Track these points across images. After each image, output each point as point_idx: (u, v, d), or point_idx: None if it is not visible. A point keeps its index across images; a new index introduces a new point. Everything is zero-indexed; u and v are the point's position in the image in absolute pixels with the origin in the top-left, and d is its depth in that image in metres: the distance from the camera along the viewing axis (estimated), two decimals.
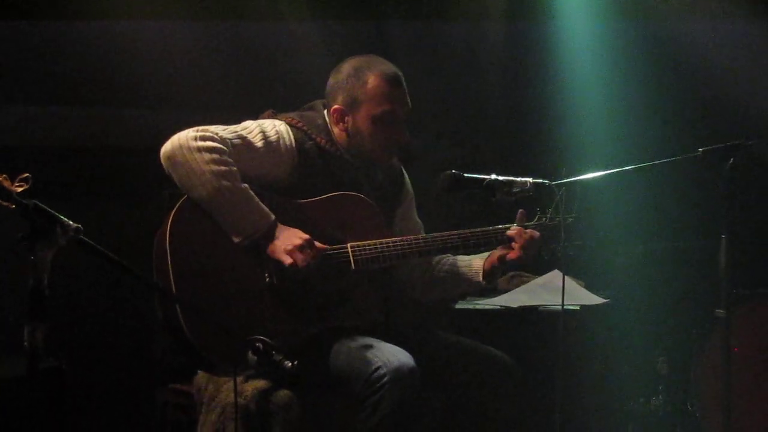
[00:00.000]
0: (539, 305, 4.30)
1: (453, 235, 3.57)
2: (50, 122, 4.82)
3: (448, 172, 3.56)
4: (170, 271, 3.26)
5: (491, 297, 4.45)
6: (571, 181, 3.49)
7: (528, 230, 3.58)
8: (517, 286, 4.56)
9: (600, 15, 5.08)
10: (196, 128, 3.35)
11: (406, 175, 3.85)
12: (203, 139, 3.32)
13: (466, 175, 3.55)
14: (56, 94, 4.82)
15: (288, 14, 4.95)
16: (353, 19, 5.06)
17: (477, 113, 5.35)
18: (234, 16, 5.01)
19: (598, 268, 4.70)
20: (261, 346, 2.82)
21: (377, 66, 3.57)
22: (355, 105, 3.55)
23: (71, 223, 2.49)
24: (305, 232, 3.37)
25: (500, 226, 3.62)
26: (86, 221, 2.54)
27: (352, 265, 3.45)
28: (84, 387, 4.40)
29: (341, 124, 3.57)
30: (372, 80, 3.54)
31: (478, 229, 3.60)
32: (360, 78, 3.54)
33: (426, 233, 3.70)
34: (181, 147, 3.31)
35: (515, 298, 4.42)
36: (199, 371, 3.57)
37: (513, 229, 3.59)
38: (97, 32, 4.84)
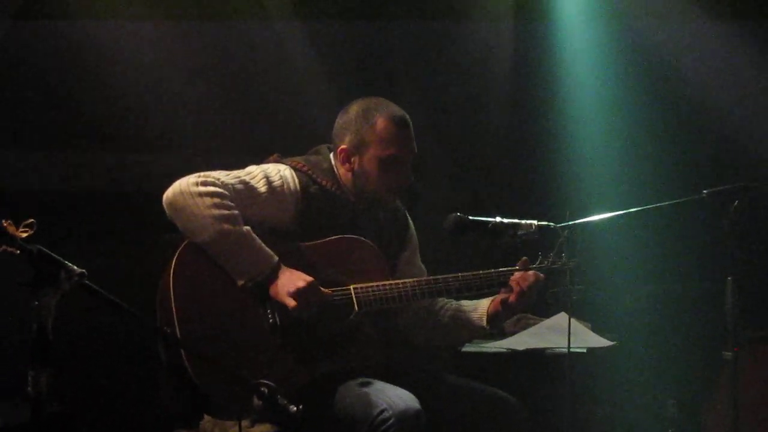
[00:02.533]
0: (546, 348, 4.30)
1: (456, 277, 3.59)
2: (55, 167, 4.85)
3: (453, 214, 3.60)
4: (174, 315, 3.29)
5: (498, 339, 4.44)
6: (575, 224, 3.51)
7: (528, 273, 3.60)
8: (524, 328, 4.56)
9: (605, 53, 5.11)
10: (197, 174, 3.40)
11: (410, 220, 3.87)
12: (204, 184, 3.37)
13: (471, 217, 3.60)
14: (60, 140, 4.87)
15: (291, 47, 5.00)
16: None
17: (482, 156, 5.38)
18: (241, 62, 5.07)
19: (604, 310, 4.71)
20: (266, 390, 2.83)
21: (386, 108, 3.62)
22: (362, 146, 3.59)
23: (75, 268, 2.50)
24: (308, 274, 3.40)
25: (503, 269, 3.64)
26: (90, 266, 2.56)
27: (356, 306, 3.48)
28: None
29: (347, 164, 3.61)
30: (380, 122, 3.58)
31: (481, 272, 3.61)
32: (368, 119, 3.59)
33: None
34: (182, 193, 3.36)
35: (522, 341, 4.42)
36: (204, 415, 3.58)
37: (515, 275, 3.60)
38: (102, 77, 4.90)
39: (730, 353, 3.53)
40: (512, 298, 3.61)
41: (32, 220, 2.49)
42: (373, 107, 3.61)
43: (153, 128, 4.89)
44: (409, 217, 3.87)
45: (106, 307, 2.62)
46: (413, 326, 3.80)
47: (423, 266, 3.86)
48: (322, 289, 3.43)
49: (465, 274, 3.60)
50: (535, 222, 3.57)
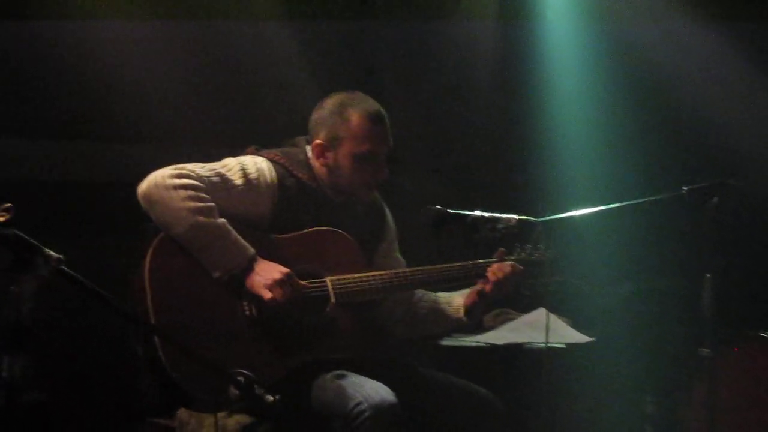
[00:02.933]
0: (524, 343, 4.30)
1: (433, 269, 3.61)
2: (31, 157, 4.83)
3: (432, 207, 3.61)
4: (150, 305, 3.29)
5: (476, 334, 4.43)
6: (556, 218, 3.52)
7: (504, 264, 3.61)
8: (503, 323, 4.54)
9: (588, 51, 5.13)
10: (172, 167, 3.40)
11: (387, 212, 3.88)
12: (179, 176, 3.37)
13: (450, 211, 3.60)
14: (37, 129, 4.84)
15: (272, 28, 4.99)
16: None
17: (464, 150, 5.39)
18: (222, 49, 5.07)
19: (584, 306, 4.70)
20: (242, 379, 2.83)
21: (360, 103, 3.62)
22: (336, 141, 3.60)
23: (53, 253, 2.50)
24: (284, 266, 3.41)
25: (480, 260, 3.65)
26: (68, 254, 2.55)
27: (332, 298, 3.49)
28: (66, 421, 4.39)
29: (322, 158, 3.62)
30: (355, 118, 3.58)
31: (457, 264, 3.63)
32: (343, 115, 3.59)
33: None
34: (157, 186, 3.36)
35: (500, 335, 4.41)
36: (180, 406, 3.57)
37: (492, 266, 3.62)
38: (80, 67, 4.88)
39: (707, 350, 3.54)
40: (488, 288, 3.63)
41: (10, 204, 2.48)
42: (348, 102, 3.61)
43: (131, 118, 4.88)
44: (386, 209, 3.88)
45: (85, 294, 2.61)
46: (391, 318, 3.80)
47: (401, 258, 3.86)
48: (298, 281, 3.43)
49: (442, 266, 3.62)
50: (515, 216, 3.58)
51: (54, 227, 4.14)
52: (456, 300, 3.74)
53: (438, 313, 3.77)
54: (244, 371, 2.84)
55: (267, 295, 3.36)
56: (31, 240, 2.49)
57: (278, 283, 3.37)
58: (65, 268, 2.52)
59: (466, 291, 3.73)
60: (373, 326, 3.73)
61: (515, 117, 5.31)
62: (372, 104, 3.64)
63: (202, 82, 5.03)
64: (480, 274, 3.64)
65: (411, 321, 3.80)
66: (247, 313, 3.40)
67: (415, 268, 3.63)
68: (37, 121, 4.85)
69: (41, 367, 2.62)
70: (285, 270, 3.39)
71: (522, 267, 3.64)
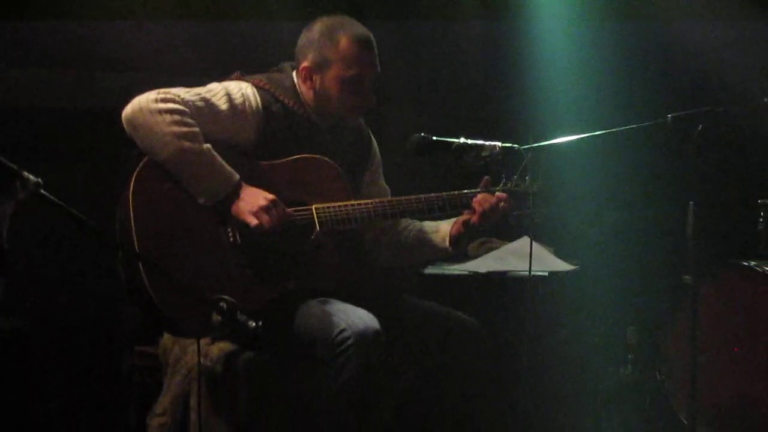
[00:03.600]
0: (508, 271, 4.33)
1: (419, 198, 3.58)
2: (14, 83, 4.78)
3: (417, 135, 3.59)
4: (133, 232, 3.28)
5: (461, 263, 4.47)
6: (539, 146, 3.50)
7: (490, 195, 3.59)
8: (487, 252, 4.58)
9: None
10: (157, 90, 3.37)
11: (374, 140, 3.86)
12: (164, 101, 3.34)
13: (434, 138, 3.59)
14: (22, 56, 4.78)
15: None
16: None
17: (447, 77, 5.36)
18: None
19: (567, 235, 4.73)
20: (225, 305, 2.83)
21: (350, 27, 3.59)
22: (324, 65, 3.57)
23: (31, 176, 2.48)
24: (269, 193, 3.40)
25: (466, 190, 3.63)
26: (50, 181, 2.53)
27: (317, 226, 3.48)
28: (48, 349, 4.38)
29: (309, 82, 3.59)
30: (344, 42, 3.56)
31: (444, 194, 3.60)
32: (332, 38, 3.56)
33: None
34: (141, 110, 3.34)
35: (484, 264, 4.45)
36: (164, 333, 3.59)
37: (478, 196, 3.60)
38: None
39: (689, 277, 3.52)
40: (474, 219, 3.60)
41: None
42: (337, 26, 3.58)
43: (115, 46, 4.80)
44: (372, 137, 3.86)
45: (65, 219, 2.59)
46: (376, 246, 3.80)
47: (387, 186, 3.86)
48: (283, 207, 3.42)
49: (428, 195, 3.59)
50: (498, 143, 3.56)
51: (38, 154, 4.13)
52: (442, 229, 3.73)
53: (423, 242, 3.76)
54: (227, 297, 2.83)
55: (252, 221, 3.36)
56: (9, 163, 2.46)
57: (263, 210, 3.36)
58: (44, 192, 2.50)
59: (452, 220, 3.72)
60: (359, 254, 3.73)
61: (500, 47, 5.30)
62: (361, 29, 3.61)
63: (185, 11, 4.97)
64: (466, 204, 3.62)
65: (396, 249, 3.80)
66: (232, 239, 3.39)
67: (400, 197, 3.60)
68: (18, 48, 4.78)
69: (21, 293, 2.58)
70: (270, 196, 3.39)
71: (508, 197, 3.62)
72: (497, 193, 3.61)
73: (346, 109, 3.61)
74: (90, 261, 4.29)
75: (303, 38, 3.63)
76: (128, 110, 3.36)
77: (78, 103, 4.79)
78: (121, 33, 4.80)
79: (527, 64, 5.15)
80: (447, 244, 3.71)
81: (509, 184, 3.64)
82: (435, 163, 4.04)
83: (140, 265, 3.22)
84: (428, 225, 3.77)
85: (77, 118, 4.74)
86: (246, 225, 3.37)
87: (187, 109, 3.37)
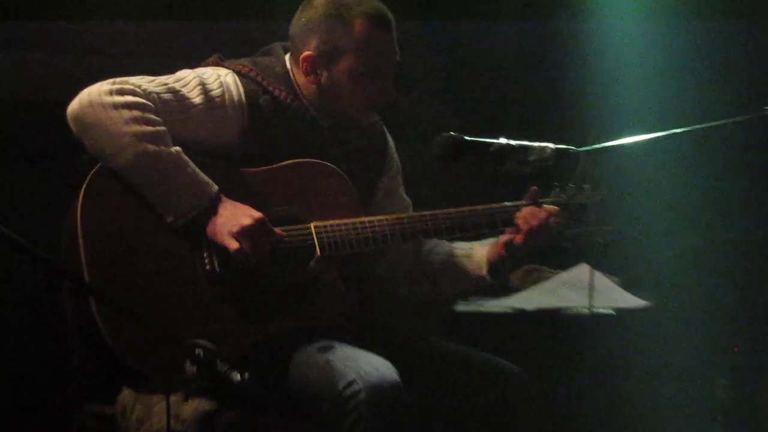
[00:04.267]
0: (562, 308, 4.35)
1: (448, 214, 3.58)
2: None
3: (446, 134, 3.58)
4: (83, 257, 3.25)
5: (501, 297, 4.49)
6: (601, 148, 3.51)
7: (539, 209, 3.58)
8: (535, 283, 4.61)
9: None
10: (111, 80, 3.36)
11: (390, 139, 3.85)
12: (120, 93, 3.32)
13: (468, 138, 3.57)
14: None
15: None
16: None
17: (482, 63, 5.41)
18: None
19: (638, 262, 4.73)
20: (201, 353, 2.81)
21: (363, 4, 3.57)
22: (334, 54, 3.56)
23: None
24: (256, 209, 3.38)
25: (507, 203, 3.63)
26: None
27: (317, 250, 3.46)
28: None
29: (312, 75, 3.58)
30: (359, 24, 3.55)
31: (479, 207, 3.60)
32: (343, 20, 3.55)
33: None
34: (92, 104, 3.31)
35: (532, 299, 4.47)
36: (123, 387, 3.54)
37: (523, 210, 3.59)
38: None
39: None
40: (518, 238, 3.59)
41: None
42: (348, 3, 3.57)
43: (65, 21, 4.83)
44: (388, 135, 3.85)
45: (5, 243, 2.61)
46: (394, 273, 3.81)
47: (407, 198, 3.86)
48: (272, 228, 3.39)
49: (459, 209, 3.59)
50: (550, 145, 3.56)
51: None
52: (477, 252, 3.72)
53: (454, 268, 3.75)
54: (204, 342, 2.82)
55: (233, 245, 3.33)
56: None
57: (248, 231, 3.33)
58: None
59: (490, 241, 3.70)
60: (370, 284, 3.72)
61: (546, 31, 5.35)
62: (378, 5, 3.60)
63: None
64: (508, 220, 3.61)
65: (420, 277, 3.80)
66: (208, 267, 3.36)
67: (423, 213, 3.60)
68: None
69: None
70: (257, 214, 3.36)
71: (561, 212, 3.61)
72: (547, 207, 3.60)
73: (360, 108, 3.61)
74: (28, 295, 4.28)
75: (302, 17, 3.60)
76: (75, 105, 3.34)
77: (15, 92, 4.79)
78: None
79: (583, 54, 5.21)
80: (483, 271, 3.71)
81: (563, 196, 3.64)
82: (468, 170, 4.02)
83: (91, 299, 3.19)
84: (460, 247, 3.77)
85: (16, 110, 4.75)
86: (226, 249, 3.34)
87: (150, 103, 3.34)
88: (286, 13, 3.70)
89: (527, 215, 3.58)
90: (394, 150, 3.86)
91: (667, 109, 4.89)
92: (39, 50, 4.85)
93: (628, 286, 4.55)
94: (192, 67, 3.58)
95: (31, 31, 4.84)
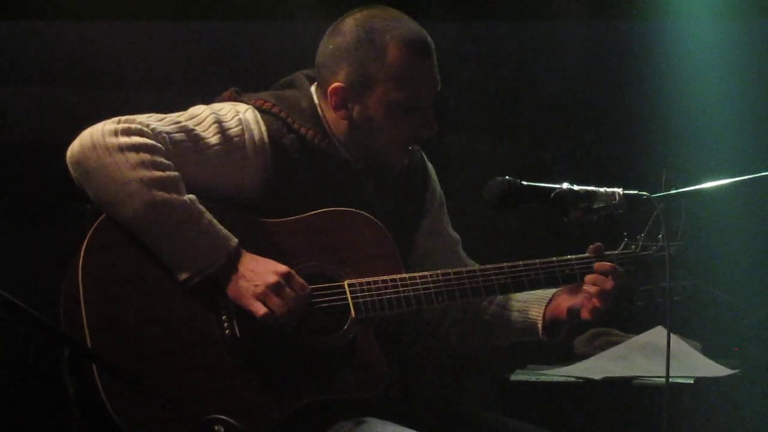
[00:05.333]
0: (634, 377, 4.31)
1: (500, 269, 3.56)
2: None
3: (500, 179, 3.58)
4: (84, 321, 3.24)
5: (564, 364, 4.48)
6: (678, 193, 3.50)
7: (606, 264, 3.55)
8: (602, 348, 4.60)
9: None
10: (116, 119, 3.36)
11: (430, 168, 3.85)
12: (127, 133, 3.31)
13: (525, 183, 3.57)
14: None
15: None
16: None
17: (541, 98, 5.42)
18: None
19: (721, 324, 4.71)
20: (220, 429, 2.76)
21: (399, 27, 3.57)
22: (367, 85, 3.55)
23: None
24: (282, 263, 3.36)
25: (571, 257, 3.61)
26: None
27: (352, 312, 3.44)
28: None
29: (342, 110, 3.57)
30: (394, 50, 3.54)
31: (537, 261, 3.58)
32: (376, 46, 3.54)
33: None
34: (94, 147, 3.31)
35: (599, 367, 4.45)
36: None
37: (587, 279, 3.55)
38: None
39: None
40: (585, 312, 3.55)
41: None
42: (381, 26, 3.57)
43: (70, 54, 4.84)
44: (428, 164, 3.85)
45: None
46: (441, 322, 3.80)
47: (455, 235, 3.86)
48: (302, 283, 3.37)
49: (514, 264, 3.57)
50: (619, 191, 3.55)
51: None
52: (533, 310, 3.70)
53: (506, 323, 3.75)
54: (223, 417, 2.77)
55: (258, 309, 3.31)
56: None
57: (275, 290, 3.31)
58: None
59: (548, 295, 3.68)
60: (413, 349, 3.76)
61: (612, 64, 5.40)
62: (413, 28, 3.60)
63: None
64: (570, 276, 3.59)
65: (469, 329, 3.80)
66: (228, 332, 3.34)
67: (473, 268, 3.59)
68: None
69: None
70: (282, 268, 3.34)
71: (632, 266, 3.59)
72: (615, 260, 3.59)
73: (397, 147, 3.59)
74: (25, 362, 4.26)
75: (329, 44, 3.60)
76: (75, 147, 3.33)
77: (13, 131, 4.81)
78: (72, 33, 4.88)
79: (654, 88, 5.22)
80: (539, 330, 3.69)
81: (634, 247, 3.62)
82: (525, 218, 4.00)
83: (95, 368, 3.17)
84: (517, 300, 3.75)
85: (13, 151, 4.79)
86: (249, 312, 3.32)
87: (160, 145, 3.34)
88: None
89: (595, 278, 3.54)
90: (435, 181, 3.85)
91: (754, 148, 4.90)
92: (33, 83, 4.88)
93: (709, 352, 4.53)
94: (205, 101, 3.57)
95: (25, 60, 4.86)
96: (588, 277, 3.56)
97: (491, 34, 5.40)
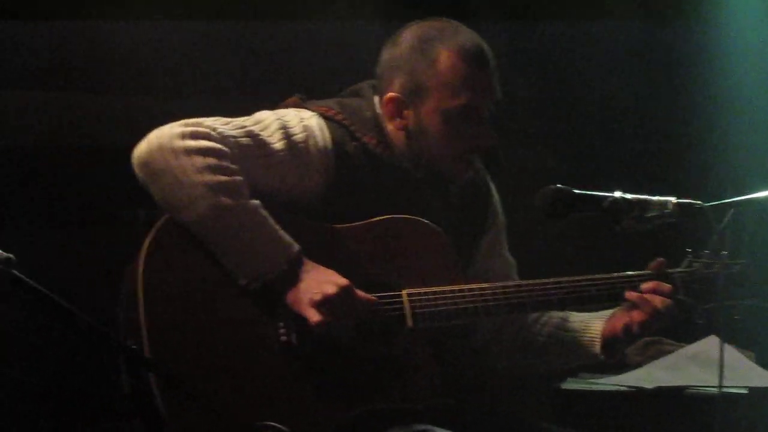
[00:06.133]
0: (686, 387, 4.30)
1: (557, 284, 3.55)
2: None
3: (552, 186, 3.57)
4: (143, 326, 3.26)
5: (617, 373, 4.45)
6: (738, 202, 3.46)
7: (665, 286, 3.53)
8: (655, 357, 4.57)
9: None
10: (184, 122, 3.37)
11: (494, 192, 3.85)
12: (194, 136, 3.33)
13: (577, 191, 3.56)
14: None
15: None
16: None
17: (592, 106, 5.43)
18: None
19: None
20: None
21: (453, 37, 3.58)
22: (419, 93, 3.57)
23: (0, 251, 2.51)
24: (342, 271, 3.37)
25: (630, 272, 3.59)
26: (26, 251, 2.58)
27: (409, 321, 3.44)
28: None
29: (398, 119, 3.59)
30: (445, 58, 3.55)
31: (597, 277, 3.57)
32: (428, 55, 3.55)
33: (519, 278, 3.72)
34: (161, 149, 3.32)
35: (652, 376, 4.43)
36: None
37: (646, 288, 3.53)
38: None
39: None
40: (639, 316, 3.54)
41: None
42: (435, 36, 3.59)
43: (127, 58, 4.88)
44: (493, 187, 3.85)
45: (47, 309, 2.60)
46: (494, 343, 3.78)
47: (512, 259, 3.85)
48: (362, 295, 3.38)
49: (574, 279, 3.57)
50: (672, 199, 3.53)
51: (9, 209, 4.16)
52: (590, 328, 3.69)
53: (563, 343, 3.73)
54: (278, 425, 2.81)
55: (314, 316, 3.31)
56: None
57: (332, 301, 3.32)
58: (16, 273, 2.53)
59: (605, 314, 3.67)
60: (466, 358, 3.72)
61: (670, 59, 5.39)
62: (470, 37, 3.60)
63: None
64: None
65: (523, 348, 3.78)
66: (285, 339, 3.36)
67: (532, 282, 3.57)
68: None
69: None
70: (342, 281, 3.35)
71: (694, 284, 3.58)
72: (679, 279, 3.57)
73: (453, 155, 3.59)
74: (80, 363, 4.28)
75: (386, 55, 3.63)
76: (143, 149, 3.35)
77: (71, 137, 4.85)
78: (129, 38, 4.89)
79: (711, 92, 5.21)
80: (597, 348, 3.68)
81: (695, 264, 3.60)
82: (578, 227, 3.99)
83: (152, 377, 3.20)
84: (574, 319, 3.74)
85: (60, 156, 4.78)
86: (306, 320, 3.33)
87: (226, 149, 3.35)
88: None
89: (652, 291, 3.52)
90: (499, 204, 3.85)
91: None
92: (88, 87, 4.89)
93: (764, 361, 4.50)
94: (269, 107, 3.58)
95: (83, 65, 4.88)
96: (644, 287, 3.54)
97: (538, 37, 5.42)
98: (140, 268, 3.31)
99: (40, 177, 4.76)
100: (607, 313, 3.66)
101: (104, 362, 3.38)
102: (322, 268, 3.36)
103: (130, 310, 3.30)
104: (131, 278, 3.32)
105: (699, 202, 3.48)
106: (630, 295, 3.52)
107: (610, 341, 3.64)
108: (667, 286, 3.54)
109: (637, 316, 3.54)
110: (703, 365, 4.34)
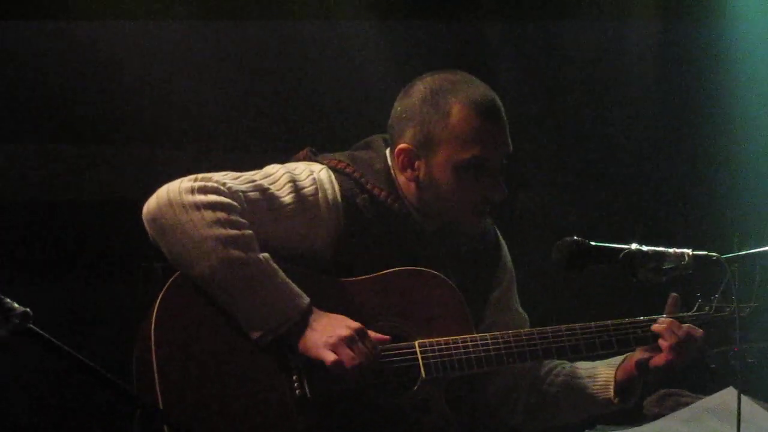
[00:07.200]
0: None
1: (571, 330, 3.56)
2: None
3: (569, 239, 3.56)
4: (157, 381, 3.27)
5: (633, 425, 4.28)
6: (749, 254, 3.48)
7: (679, 325, 3.55)
8: (673, 409, 4.41)
9: None
10: (193, 176, 3.40)
11: (503, 245, 3.85)
12: (203, 191, 3.35)
13: (593, 243, 3.55)
14: (8, 128, 4.88)
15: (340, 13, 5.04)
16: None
17: (609, 158, 5.43)
18: (263, 15, 5.16)
19: None
20: None
21: (465, 89, 3.60)
22: (430, 145, 3.58)
23: (16, 306, 2.51)
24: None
25: (643, 318, 3.59)
26: (42, 304, 2.60)
27: (422, 372, 3.44)
28: None
29: (409, 171, 3.60)
30: (457, 111, 3.57)
31: (609, 323, 3.57)
32: (440, 107, 3.57)
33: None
34: (171, 204, 3.34)
35: (669, 428, 4.26)
36: None
37: (661, 322, 3.56)
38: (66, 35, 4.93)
39: None
40: (659, 359, 3.56)
41: None
42: (447, 87, 3.61)
43: (141, 110, 4.90)
44: (501, 240, 3.85)
45: (61, 363, 2.60)
46: (507, 398, 3.77)
47: (523, 313, 3.85)
48: (375, 335, 3.39)
49: (585, 325, 3.58)
50: (688, 251, 3.52)
51: (23, 264, 4.16)
52: (602, 373, 3.70)
53: (576, 392, 3.73)
54: None
55: (330, 357, 3.32)
56: None
57: (346, 342, 3.33)
58: (33, 327, 2.52)
59: (617, 360, 3.68)
60: (480, 411, 3.69)
61: (684, 113, 5.40)
62: (481, 90, 3.62)
63: (236, 58, 5.10)
64: (641, 338, 3.60)
65: (537, 403, 3.77)
66: (298, 391, 3.36)
67: (543, 329, 3.58)
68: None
69: None
70: (355, 324, 3.36)
71: (706, 328, 3.59)
72: (688, 324, 3.58)
73: (464, 208, 3.60)
74: (95, 417, 4.28)
75: (399, 107, 3.64)
76: (152, 203, 3.37)
77: (85, 190, 4.86)
78: (142, 92, 4.91)
79: (724, 151, 5.25)
80: (611, 394, 3.68)
81: (707, 308, 3.62)
82: (594, 279, 3.99)
83: (165, 428, 3.16)
84: (582, 367, 3.74)
85: (84, 210, 4.80)
86: (320, 366, 3.33)
87: (236, 204, 3.37)
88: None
89: (667, 330, 3.54)
90: (508, 257, 3.85)
91: None
92: (105, 141, 4.92)
93: None
94: (280, 161, 3.60)
95: (99, 118, 4.91)
96: (659, 327, 3.56)
97: (555, 78, 5.46)
98: (152, 327, 3.32)
99: (59, 230, 4.77)
100: (617, 360, 3.66)
101: (117, 413, 3.43)
102: (333, 315, 3.38)
103: (144, 366, 3.30)
104: (144, 334, 3.33)
105: (715, 254, 3.46)
106: (656, 326, 3.55)
107: (624, 385, 3.65)
108: (683, 327, 3.55)
109: (657, 356, 3.55)
110: (722, 418, 4.25)
